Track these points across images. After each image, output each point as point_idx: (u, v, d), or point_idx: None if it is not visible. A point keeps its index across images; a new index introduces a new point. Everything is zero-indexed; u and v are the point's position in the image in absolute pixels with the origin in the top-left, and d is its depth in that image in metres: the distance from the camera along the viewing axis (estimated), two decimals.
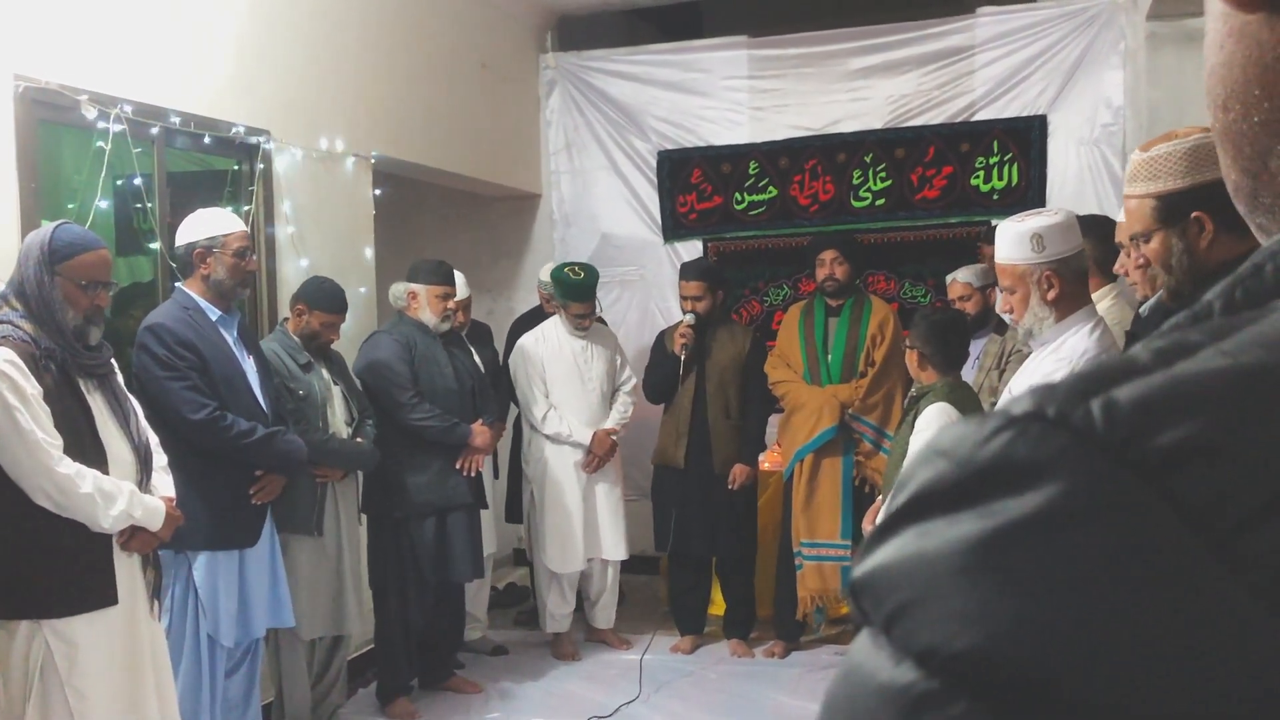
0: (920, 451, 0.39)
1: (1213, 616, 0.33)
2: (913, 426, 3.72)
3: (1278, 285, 0.40)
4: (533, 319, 5.71)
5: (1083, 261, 3.02)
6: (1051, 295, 2.94)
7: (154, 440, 3.19)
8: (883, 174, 6.26)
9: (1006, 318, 3.32)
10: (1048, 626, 0.34)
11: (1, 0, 3.30)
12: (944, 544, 0.36)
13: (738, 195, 6.49)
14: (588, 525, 5.27)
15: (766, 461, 5.61)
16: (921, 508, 0.38)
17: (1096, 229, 3.73)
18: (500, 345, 5.77)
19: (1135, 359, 0.37)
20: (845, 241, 5.16)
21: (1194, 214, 2.05)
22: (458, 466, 4.54)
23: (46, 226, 3.01)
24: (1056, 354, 2.95)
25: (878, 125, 6.24)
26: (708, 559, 5.40)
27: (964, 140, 6.12)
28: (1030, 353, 3.13)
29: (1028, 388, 0.38)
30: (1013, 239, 2.99)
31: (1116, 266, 2.85)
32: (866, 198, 6.30)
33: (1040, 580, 0.34)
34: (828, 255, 5.05)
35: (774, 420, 5.43)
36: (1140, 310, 2.76)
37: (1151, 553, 0.33)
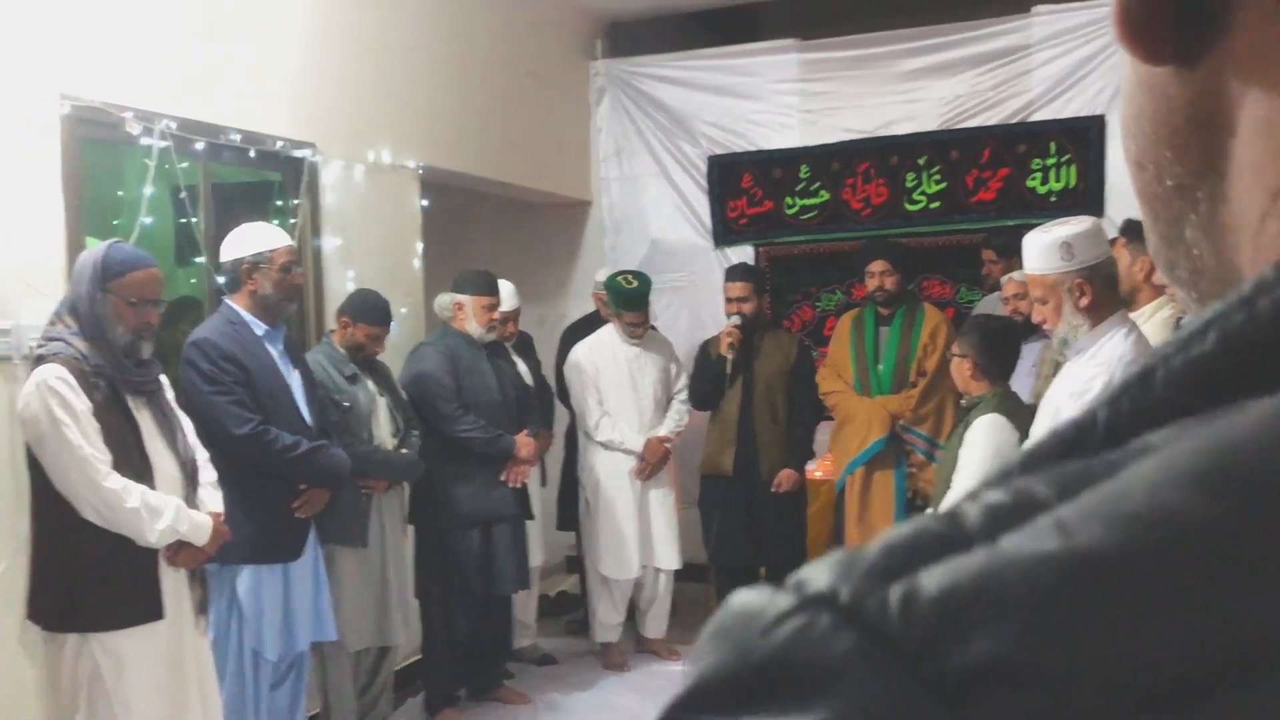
0: (712, 624, 0.33)
1: None
2: (962, 439, 3.66)
3: (1163, 401, 0.33)
4: (585, 326, 5.70)
5: (1112, 267, 3.01)
6: (1084, 302, 2.94)
7: (201, 456, 3.23)
8: (937, 176, 6.16)
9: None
10: None
11: (47, 22, 3.35)
12: None
13: (789, 199, 6.43)
14: (642, 533, 5.25)
15: (818, 470, 5.54)
16: (698, 704, 0.32)
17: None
18: (552, 352, 5.77)
19: (961, 520, 0.31)
20: (893, 251, 5.06)
21: None
22: (502, 478, 4.54)
23: (100, 245, 3.06)
24: (1094, 360, 2.94)
25: (932, 127, 6.14)
26: (755, 568, 5.35)
27: (1020, 141, 6.00)
28: (1066, 361, 3.10)
29: (840, 552, 0.33)
30: (1041, 249, 2.99)
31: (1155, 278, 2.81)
32: (920, 200, 6.20)
33: None
34: (876, 267, 4.98)
35: (825, 427, 5.36)
36: (1180, 324, 2.69)
37: None
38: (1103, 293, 2.95)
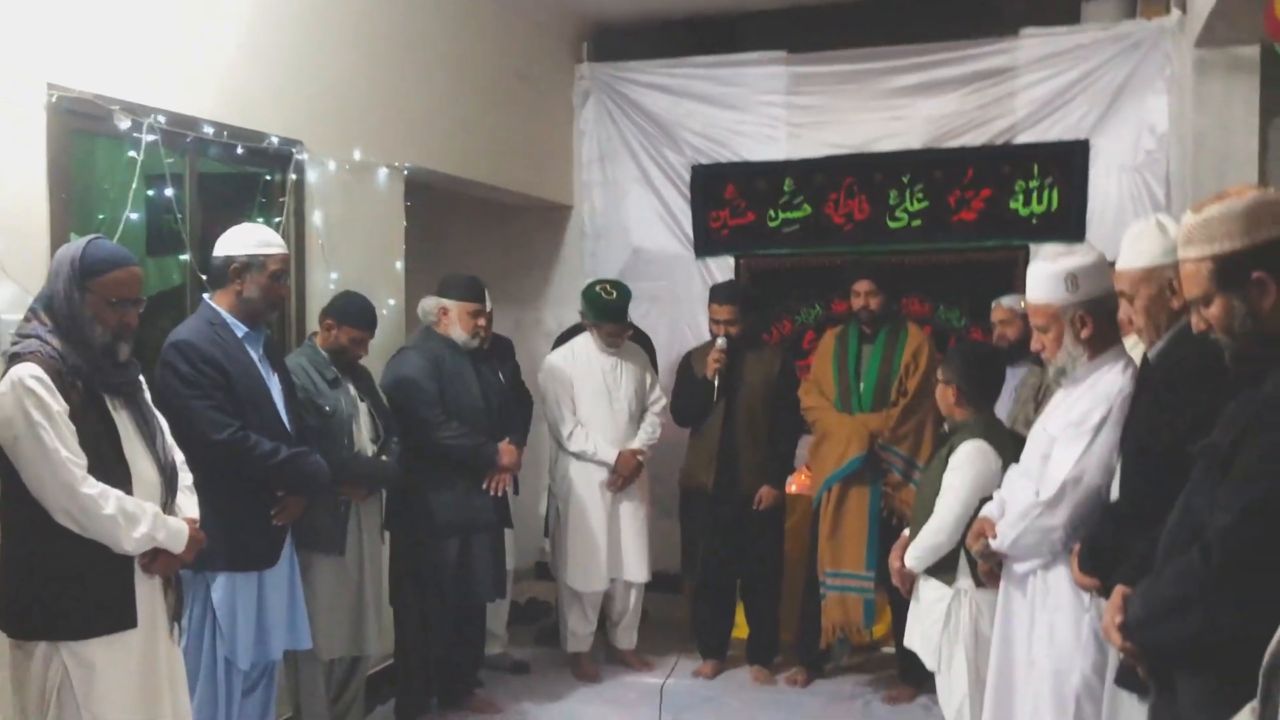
0: None
1: None
2: (945, 463, 3.66)
3: None
4: (575, 335, 5.64)
5: (1114, 302, 3.02)
6: (1085, 334, 2.96)
7: (180, 459, 3.14)
8: (920, 195, 6.17)
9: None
10: None
11: (37, 10, 3.27)
12: None
13: (772, 212, 6.42)
14: (611, 545, 5.21)
15: (794, 484, 5.53)
16: None
17: None
18: (536, 360, 5.72)
19: None
20: (879, 272, 5.05)
21: (1255, 275, 1.96)
22: (485, 487, 4.49)
23: (79, 241, 2.96)
24: (1093, 391, 2.95)
25: (916, 145, 6.15)
26: (733, 583, 5.33)
27: (1004, 163, 6.02)
28: (1060, 390, 3.10)
29: None
30: (1046, 278, 3.00)
31: (1120, 315, 2.81)
32: (903, 218, 6.21)
33: None
34: (862, 286, 4.96)
35: (804, 442, 5.35)
36: (1148, 355, 2.70)
37: None
38: (1104, 326, 2.96)
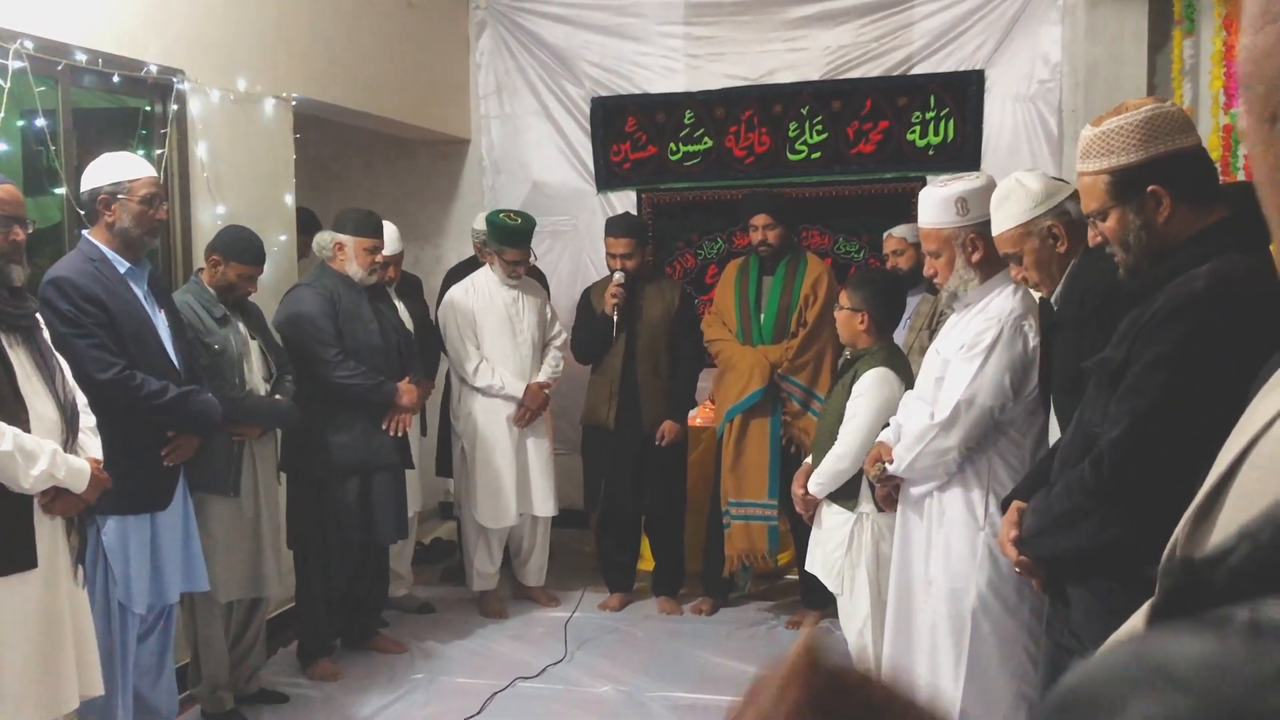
0: (1129, 665, 0.28)
1: None
2: (849, 390, 3.69)
3: None
4: (465, 270, 5.56)
5: None
6: (976, 257, 2.99)
7: (81, 400, 3.04)
8: (819, 127, 6.17)
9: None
10: None
11: None
12: None
13: (673, 145, 6.37)
14: (519, 480, 5.18)
15: (698, 417, 5.56)
16: None
17: None
18: (433, 297, 5.62)
19: None
20: (776, 204, 5.03)
21: (1150, 188, 1.98)
22: (384, 427, 4.41)
23: None
24: (984, 314, 2.99)
25: (815, 76, 6.15)
26: (637, 517, 5.36)
27: (901, 94, 6.05)
28: (953, 314, 3.14)
29: None
30: (937, 203, 3.02)
31: (1015, 275, 2.83)
32: (802, 150, 6.21)
33: None
34: (759, 221, 4.96)
35: (707, 374, 5.37)
36: (1051, 300, 2.74)
37: None
38: (993, 249, 2.98)
